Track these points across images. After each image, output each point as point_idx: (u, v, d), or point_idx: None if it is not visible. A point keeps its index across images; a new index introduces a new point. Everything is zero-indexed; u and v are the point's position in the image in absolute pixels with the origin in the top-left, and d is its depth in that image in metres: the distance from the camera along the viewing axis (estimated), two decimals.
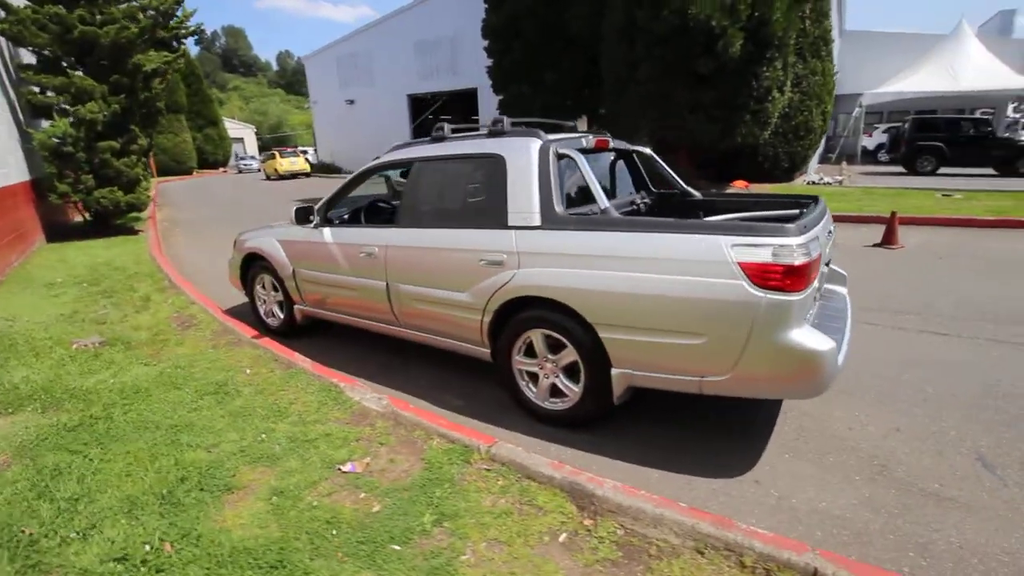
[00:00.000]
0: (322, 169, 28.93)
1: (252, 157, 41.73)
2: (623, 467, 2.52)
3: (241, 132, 52.50)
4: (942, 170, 15.51)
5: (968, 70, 17.51)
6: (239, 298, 5.38)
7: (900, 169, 16.44)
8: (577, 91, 11.09)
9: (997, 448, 2.55)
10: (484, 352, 3.08)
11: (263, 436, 2.75)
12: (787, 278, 2.14)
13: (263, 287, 4.45)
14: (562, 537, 1.98)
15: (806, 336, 2.19)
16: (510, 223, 2.83)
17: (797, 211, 3.12)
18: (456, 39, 22.17)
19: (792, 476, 2.39)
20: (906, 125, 16.55)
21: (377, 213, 4.31)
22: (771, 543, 1.82)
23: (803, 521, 2.11)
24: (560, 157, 2.86)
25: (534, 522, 2.05)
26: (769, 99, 9.93)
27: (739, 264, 2.19)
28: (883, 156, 20.67)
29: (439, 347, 3.37)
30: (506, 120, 3.14)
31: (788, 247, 2.15)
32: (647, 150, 3.79)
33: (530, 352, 2.89)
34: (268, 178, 27.88)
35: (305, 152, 30.42)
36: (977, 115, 18.74)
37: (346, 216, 4.11)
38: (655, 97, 9.83)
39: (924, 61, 18.73)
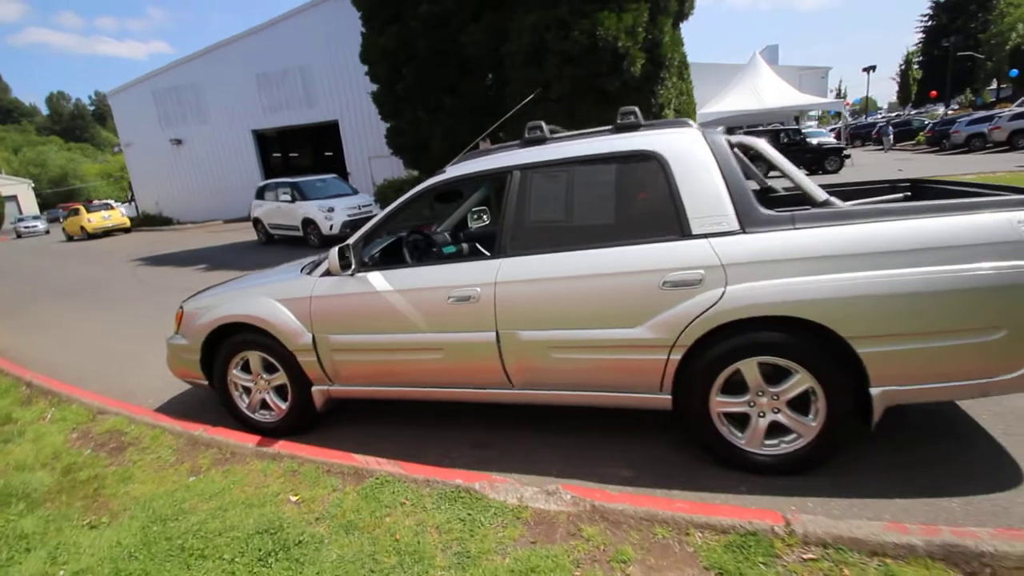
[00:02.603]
0: (145, 222, 24.30)
1: (35, 217, 33.68)
2: (898, 505, 2.06)
3: (13, 188, 42.45)
4: (771, 173, 18.41)
5: (769, 92, 21.30)
6: (167, 389, 3.86)
7: None
8: (478, 115, 10.70)
9: None
10: (660, 401, 2.40)
11: None
12: None
13: (245, 371, 3.15)
14: None
15: None
16: (694, 231, 2.25)
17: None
18: (307, 69, 20.47)
19: None
20: None
21: (428, 247, 3.35)
22: None
23: None
24: (732, 146, 2.37)
25: None
26: (663, 115, 10.64)
27: None
28: None
29: (574, 405, 2.59)
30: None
31: None
32: (759, 142, 2.74)
33: (733, 389, 2.31)
34: (71, 239, 22.60)
35: (117, 207, 25.34)
36: (787, 126, 22.69)
37: (377, 257, 3.09)
38: (562, 116, 9.89)
39: (733, 86, 22.35)
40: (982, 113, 24.71)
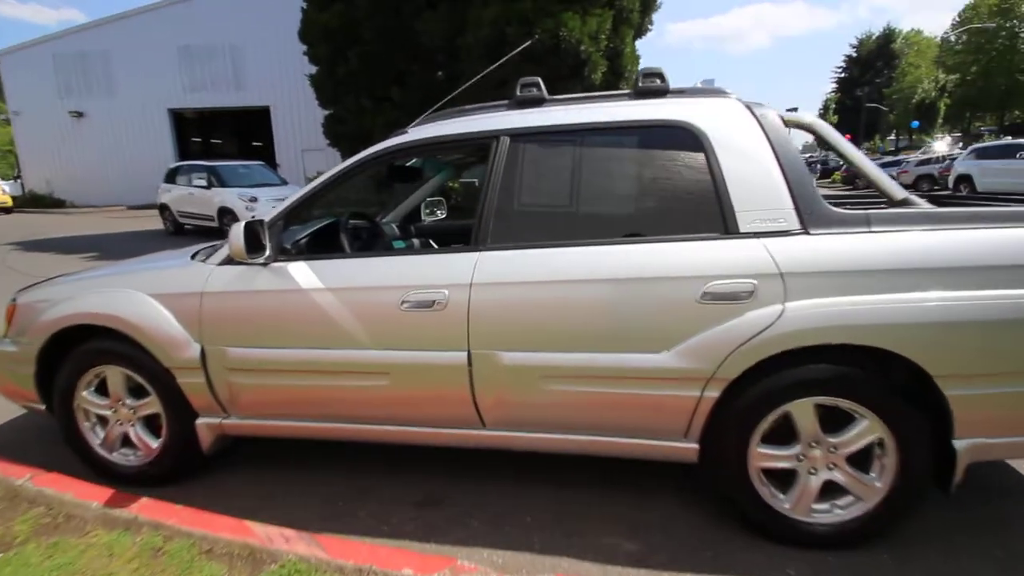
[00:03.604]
0: (32, 203, 21.20)
1: None
2: None
3: None
4: None
5: None
6: None
7: None
8: (427, 108, 9.98)
9: None
10: (683, 451, 1.81)
11: None
12: None
13: (100, 393, 2.24)
14: None
15: None
16: (743, 227, 1.70)
17: None
18: (238, 49, 18.81)
19: None
20: None
21: (374, 238, 2.59)
22: None
23: None
24: (786, 124, 1.85)
25: None
26: None
27: None
28: None
29: (566, 453, 1.95)
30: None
31: None
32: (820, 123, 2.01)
33: (779, 437, 1.76)
34: None
35: None
36: None
37: (303, 245, 2.30)
38: None
39: None
40: (890, 158, 27.06)
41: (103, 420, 2.27)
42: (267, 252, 1.94)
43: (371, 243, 2.61)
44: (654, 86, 1.92)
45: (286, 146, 19.18)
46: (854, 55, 53.07)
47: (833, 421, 1.72)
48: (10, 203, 19.88)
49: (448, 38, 9.43)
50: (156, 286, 2.10)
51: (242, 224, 1.87)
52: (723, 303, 1.65)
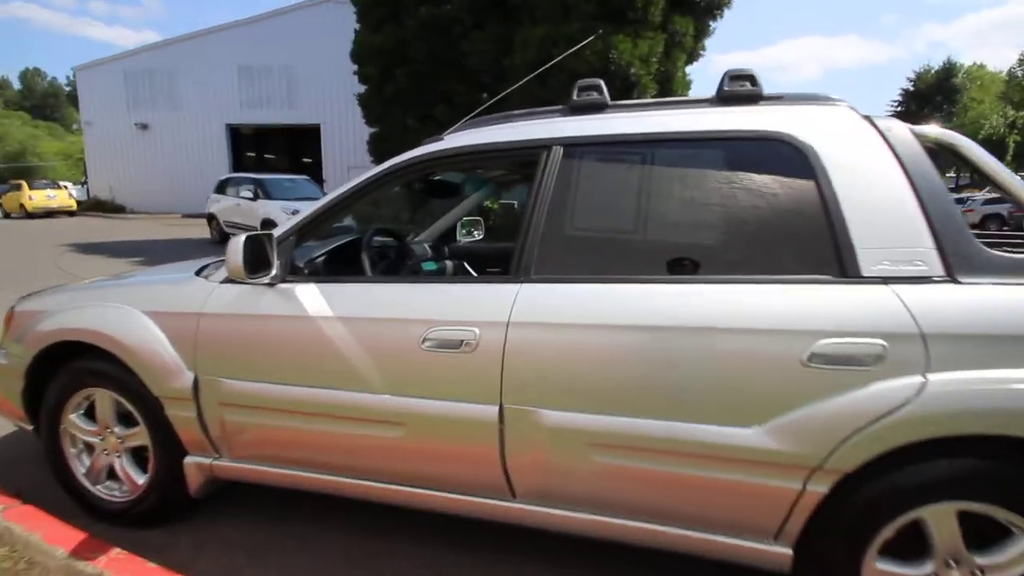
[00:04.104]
0: (95, 207, 22.36)
1: None
2: None
3: None
4: None
5: None
6: None
7: None
8: None
9: None
10: (772, 556, 1.39)
11: None
12: None
13: (88, 418, 2.00)
14: None
15: None
16: (866, 270, 1.31)
17: None
18: (291, 69, 19.52)
19: None
20: None
21: (401, 259, 2.32)
22: None
23: None
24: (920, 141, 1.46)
25: None
26: None
27: None
28: None
29: (613, 540, 1.56)
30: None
31: None
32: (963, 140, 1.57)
33: (904, 551, 1.32)
34: (7, 215, 20.52)
35: (65, 187, 23.38)
36: None
37: (319, 264, 2.03)
38: None
39: None
40: (955, 196, 25.44)
41: (90, 447, 2.03)
42: (273, 271, 1.67)
43: (397, 265, 2.32)
44: (743, 91, 1.56)
45: (334, 163, 19.64)
46: (911, 89, 51.14)
47: (979, 532, 1.28)
48: (74, 207, 21.02)
49: (494, 59, 9.36)
50: (152, 302, 1.86)
51: (242, 237, 1.60)
52: (839, 368, 1.25)
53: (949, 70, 46.62)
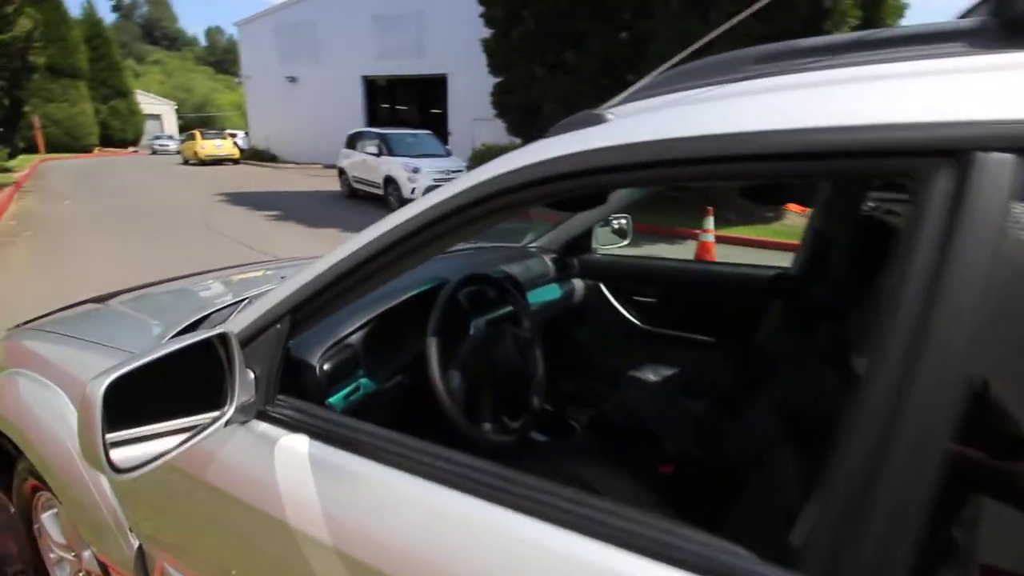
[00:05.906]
0: (253, 156, 24.65)
1: (170, 137, 36.14)
2: None
3: (159, 108, 46.00)
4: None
5: None
6: None
7: None
8: (608, 75, 8.46)
9: None
10: None
11: None
12: None
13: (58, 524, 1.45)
14: None
15: None
16: None
17: None
18: (423, 15, 19.03)
19: None
20: None
21: (499, 332, 1.41)
22: None
23: None
24: None
25: None
26: None
27: None
28: None
29: None
30: None
31: None
32: None
33: None
34: (186, 162, 23.37)
35: (234, 136, 26.04)
36: None
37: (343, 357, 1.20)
38: None
39: None
40: None
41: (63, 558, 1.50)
42: (229, 407, 0.86)
43: (497, 334, 1.40)
44: None
45: (460, 115, 19.15)
46: None
47: None
48: (238, 155, 23.32)
49: None
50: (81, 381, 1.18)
51: (100, 381, 0.74)
52: None
53: None
